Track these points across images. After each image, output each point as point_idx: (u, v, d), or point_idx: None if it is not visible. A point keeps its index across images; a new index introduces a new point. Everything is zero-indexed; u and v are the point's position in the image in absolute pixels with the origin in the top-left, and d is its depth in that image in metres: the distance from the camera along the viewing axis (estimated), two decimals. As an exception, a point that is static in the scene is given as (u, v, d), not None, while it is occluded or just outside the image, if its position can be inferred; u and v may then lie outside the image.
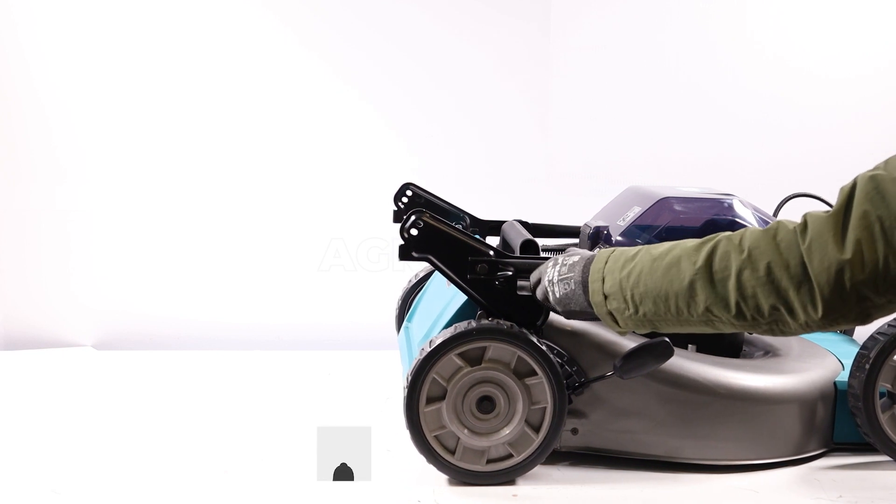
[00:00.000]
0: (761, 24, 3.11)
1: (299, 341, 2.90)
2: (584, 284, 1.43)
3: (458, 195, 2.51)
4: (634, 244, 1.91)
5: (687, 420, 1.78)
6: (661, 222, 1.92)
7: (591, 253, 1.50)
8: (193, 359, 2.74)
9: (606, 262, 1.38)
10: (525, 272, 1.70)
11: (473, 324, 1.69)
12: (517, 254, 1.79)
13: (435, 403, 1.70)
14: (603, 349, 1.76)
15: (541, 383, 1.69)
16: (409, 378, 1.69)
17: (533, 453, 1.71)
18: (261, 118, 2.97)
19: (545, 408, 1.70)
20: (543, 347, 1.68)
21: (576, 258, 1.49)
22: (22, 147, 2.89)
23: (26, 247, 2.93)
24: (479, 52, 3.03)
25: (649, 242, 1.88)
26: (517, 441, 1.71)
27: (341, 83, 2.99)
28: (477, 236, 1.81)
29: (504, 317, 1.71)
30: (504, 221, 2.34)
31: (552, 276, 1.50)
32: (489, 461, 1.72)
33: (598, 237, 2.01)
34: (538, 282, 1.59)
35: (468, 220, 2.42)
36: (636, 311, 1.30)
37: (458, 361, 1.69)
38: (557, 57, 3.03)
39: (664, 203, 1.97)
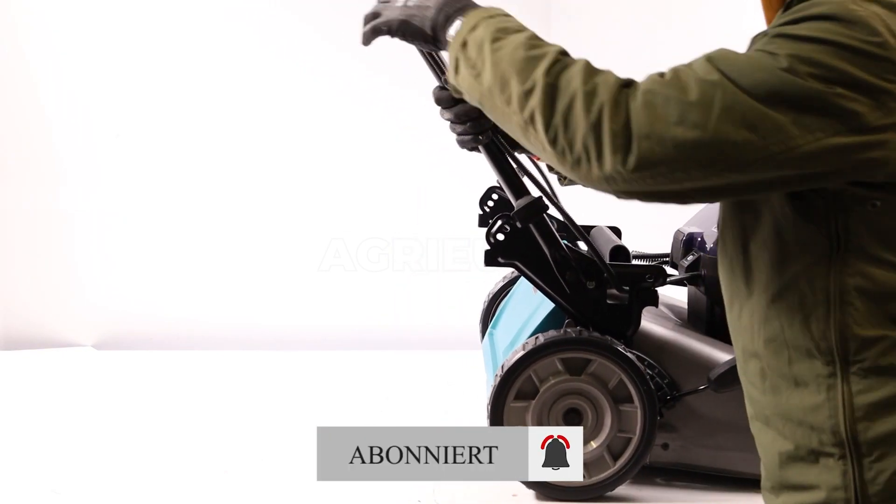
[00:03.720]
0: (762, 24, 3.11)
1: (299, 341, 2.90)
2: (441, 11, 1.25)
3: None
4: None
5: None
6: None
7: None
8: (193, 359, 2.74)
9: (493, 17, 1.20)
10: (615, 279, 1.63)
11: (584, 333, 1.64)
12: (608, 260, 1.73)
13: (523, 401, 1.66)
14: (696, 361, 1.68)
15: (634, 412, 1.64)
16: (502, 373, 1.65)
17: (608, 478, 1.65)
18: (261, 119, 2.97)
19: (631, 438, 1.64)
20: (642, 367, 1.62)
21: None
22: (23, 149, 2.89)
23: (26, 247, 2.93)
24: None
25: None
26: (592, 464, 1.65)
27: (342, 83, 2.99)
28: (565, 242, 1.78)
29: (593, 325, 1.66)
30: (593, 226, 2.29)
31: None
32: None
33: (691, 244, 1.94)
34: None
35: (556, 225, 2.32)
36: (478, 75, 1.16)
37: (559, 366, 1.65)
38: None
39: None
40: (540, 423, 1.66)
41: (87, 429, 2.08)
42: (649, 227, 2.26)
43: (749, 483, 1.71)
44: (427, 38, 1.30)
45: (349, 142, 3.01)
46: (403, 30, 1.28)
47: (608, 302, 1.65)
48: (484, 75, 1.17)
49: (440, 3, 1.29)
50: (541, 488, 1.67)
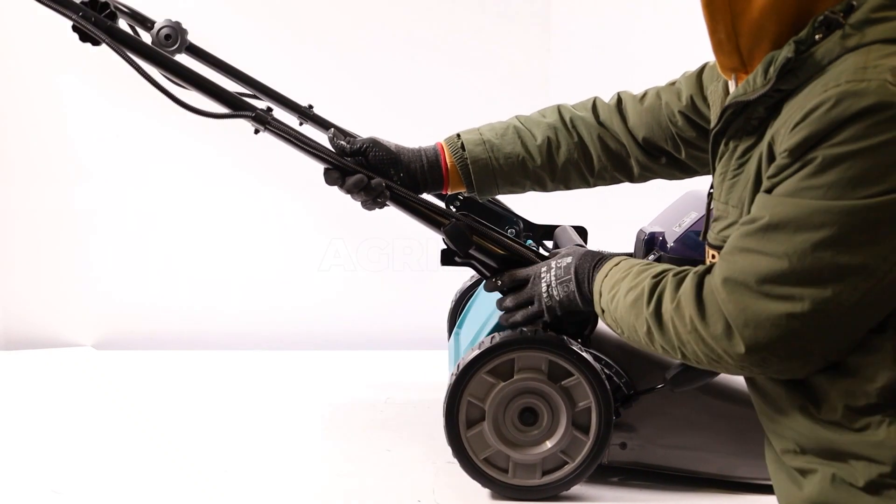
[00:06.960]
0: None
1: (299, 341, 2.90)
2: (580, 287, 1.44)
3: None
4: (689, 252, 1.83)
5: (742, 436, 1.67)
6: None
7: (581, 251, 1.47)
8: (193, 359, 2.74)
9: (605, 277, 1.37)
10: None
11: (497, 338, 1.63)
12: None
13: (476, 426, 1.65)
14: (653, 360, 1.66)
15: (580, 384, 1.62)
16: (445, 404, 1.64)
17: (587, 457, 1.63)
18: (261, 118, 2.96)
19: (590, 408, 1.63)
20: (579, 350, 1.62)
21: (568, 260, 1.48)
22: (21, 148, 2.89)
23: (26, 247, 2.93)
24: (480, 52, 3.02)
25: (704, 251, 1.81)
26: (569, 447, 1.65)
27: (343, 82, 2.99)
28: (530, 241, 1.75)
29: (549, 327, 1.64)
30: (557, 226, 2.25)
31: (550, 280, 1.49)
32: (543, 473, 1.66)
33: (652, 243, 1.93)
34: (527, 282, 1.55)
35: (521, 225, 2.33)
36: (623, 332, 1.31)
37: (490, 379, 1.64)
38: (558, 57, 3.03)
39: None
40: (502, 437, 1.66)
41: (87, 429, 2.08)
42: (616, 227, 2.26)
43: (705, 482, 1.72)
44: (586, 309, 1.46)
45: (349, 142, 3.01)
46: (564, 315, 1.51)
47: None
48: (624, 331, 1.30)
49: (577, 271, 1.46)
50: (521, 493, 1.67)
